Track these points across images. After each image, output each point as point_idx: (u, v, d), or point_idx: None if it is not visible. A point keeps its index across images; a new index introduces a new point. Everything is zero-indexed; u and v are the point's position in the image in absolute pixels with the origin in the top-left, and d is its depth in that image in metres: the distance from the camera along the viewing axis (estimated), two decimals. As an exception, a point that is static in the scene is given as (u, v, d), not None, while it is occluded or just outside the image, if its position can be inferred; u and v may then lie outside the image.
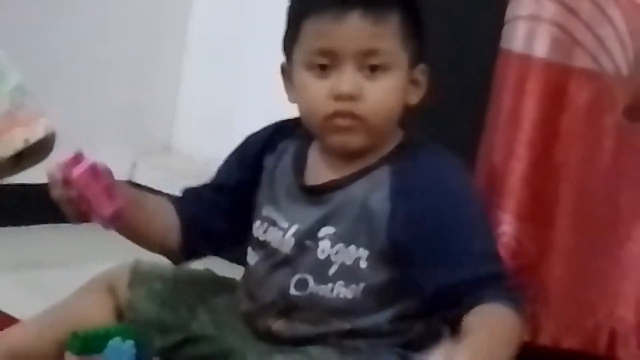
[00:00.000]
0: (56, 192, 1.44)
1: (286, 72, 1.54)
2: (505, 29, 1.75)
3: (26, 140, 1.36)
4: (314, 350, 1.47)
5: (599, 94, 1.73)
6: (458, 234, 1.43)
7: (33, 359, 1.57)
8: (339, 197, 1.50)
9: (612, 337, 1.75)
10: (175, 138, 2.81)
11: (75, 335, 1.54)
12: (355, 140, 1.49)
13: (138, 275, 1.62)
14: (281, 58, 1.55)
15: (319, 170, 1.54)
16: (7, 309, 1.80)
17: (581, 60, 1.73)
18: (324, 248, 1.49)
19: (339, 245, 1.48)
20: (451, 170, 1.49)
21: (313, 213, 1.51)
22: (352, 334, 1.48)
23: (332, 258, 1.49)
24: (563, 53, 1.74)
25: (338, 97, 1.45)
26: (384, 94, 1.46)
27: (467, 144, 1.80)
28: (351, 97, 1.45)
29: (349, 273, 1.48)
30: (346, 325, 1.48)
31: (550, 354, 1.77)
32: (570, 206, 1.76)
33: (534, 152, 1.76)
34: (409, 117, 1.53)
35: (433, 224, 1.43)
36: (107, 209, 1.43)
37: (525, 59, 1.74)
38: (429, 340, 1.40)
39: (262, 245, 1.56)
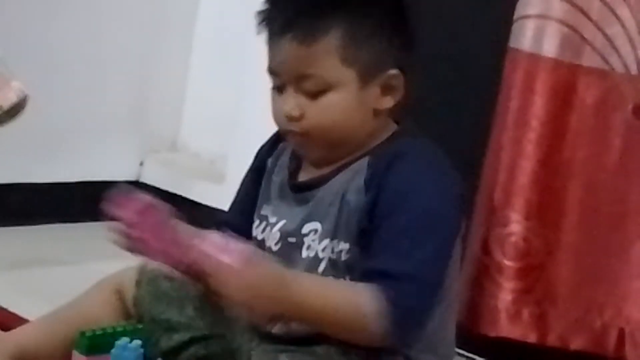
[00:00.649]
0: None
1: None
2: (513, 27, 1.75)
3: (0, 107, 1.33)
4: (319, 349, 1.47)
5: (608, 92, 1.73)
6: (393, 233, 1.41)
7: (41, 359, 1.57)
8: (321, 193, 1.50)
9: (621, 337, 1.74)
10: (182, 136, 2.80)
11: (82, 334, 1.54)
12: (311, 153, 1.52)
13: (145, 275, 1.61)
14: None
15: (310, 168, 1.55)
16: (15, 309, 1.79)
17: (590, 59, 1.73)
18: (310, 245, 1.49)
19: (326, 241, 1.48)
20: (420, 173, 1.46)
21: (299, 210, 1.52)
22: None
23: (320, 254, 1.48)
24: (572, 52, 1.73)
25: (286, 118, 1.47)
26: (326, 113, 1.45)
27: (475, 143, 1.80)
28: (294, 118, 1.46)
29: (336, 267, 1.48)
30: None
31: (559, 355, 1.77)
32: (579, 205, 1.76)
33: (542, 151, 1.75)
34: (403, 112, 1.52)
35: (382, 217, 1.42)
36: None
37: (534, 58, 1.74)
38: None
39: (259, 245, 1.56)
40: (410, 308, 1.38)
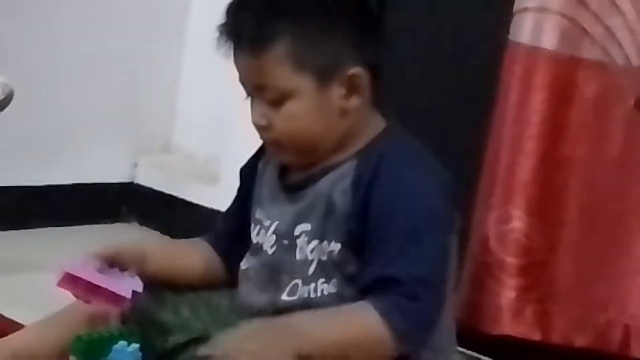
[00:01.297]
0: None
1: None
2: (513, 20, 1.73)
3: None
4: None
5: (608, 85, 1.71)
6: (390, 236, 1.40)
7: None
8: (309, 193, 1.49)
9: (625, 333, 1.72)
10: (175, 137, 2.78)
11: (79, 338, 1.51)
12: (287, 159, 1.51)
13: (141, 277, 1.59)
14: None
15: (298, 169, 1.53)
16: (9, 314, 1.77)
17: (590, 52, 1.71)
18: (302, 246, 1.48)
19: (314, 242, 1.47)
20: (410, 172, 1.44)
21: (289, 211, 1.51)
22: None
23: (309, 256, 1.47)
24: (571, 44, 1.71)
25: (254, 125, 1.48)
26: (289, 122, 1.44)
27: (474, 139, 1.78)
28: (262, 128, 1.46)
29: (326, 269, 1.46)
30: None
31: (562, 353, 1.75)
32: (580, 200, 1.74)
33: (542, 146, 1.74)
34: (388, 108, 1.50)
35: (377, 220, 1.41)
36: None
37: (533, 51, 1.72)
38: None
39: (255, 248, 1.56)
40: (417, 312, 1.37)
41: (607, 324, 1.73)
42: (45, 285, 2.12)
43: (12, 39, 2.40)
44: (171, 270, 1.59)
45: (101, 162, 2.64)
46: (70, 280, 1.51)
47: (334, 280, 1.46)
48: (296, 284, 1.48)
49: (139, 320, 1.55)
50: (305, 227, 1.48)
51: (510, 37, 1.74)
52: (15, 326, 1.69)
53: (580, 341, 1.75)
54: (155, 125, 2.74)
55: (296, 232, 1.49)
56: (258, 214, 1.57)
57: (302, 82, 1.43)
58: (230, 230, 1.64)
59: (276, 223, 1.52)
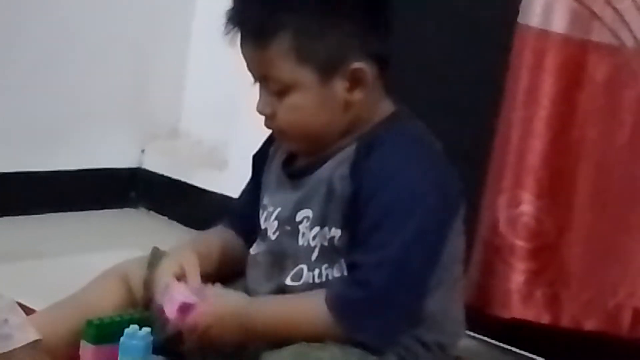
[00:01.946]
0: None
1: None
2: (522, 4, 1.72)
3: None
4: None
5: (619, 68, 1.70)
6: (365, 221, 1.41)
7: (48, 349, 1.54)
8: (310, 180, 1.49)
9: (635, 317, 1.72)
10: (182, 123, 2.77)
11: (90, 323, 1.52)
12: (292, 147, 1.52)
13: (157, 258, 1.59)
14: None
15: (303, 156, 1.54)
16: (20, 299, 1.76)
17: (600, 35, 1.70)
18: (304, 232, 1.49)
19: (316, 229, 1.48)
20: (397, 158, 1.44)
21: (291, 198, 1.51)
22: None
23: (312, 242, 1.48)
24: (581, 27, 1.70)
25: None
26: (292, 114, 1.45)
27: (485, 122, 1.78)
28: (266, 116, 1.47)
29: (329, 254, 1.47)
30: None
31: (572, 336, 1.75)
32: (590, 183, 1.73)
33: (552, 129, 1.73)
34: (396, 94, 1.49)
35: (362, 204, 1.42)
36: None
37: (543, 34, 1.71)
38: None
39: (262, 234, 1.56)
40: (364, 299, 1.39)
41: (616, 307, 1.73)
42: (54, 269, 2.14)
43: (20, 24, 2.40)
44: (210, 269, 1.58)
45: (109, 148, 2.64)
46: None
47: (337, 265, 1.46)
48: (301, 269, 1.49)
49: (152, 301, 1.55)
50: (307, 212, 1.49)
51: (520, 20, 1.73)
52: (25, 311, 1.68)
53: (589, 325, 1.74)
54: (163, 111, 2.74)
55: (298, 218, 1.49)
56: (265, 199, 1.57)
57: (305, 75, 1.43)
58: (245, 214, 1.64)
59: (278, 209, 1.53)
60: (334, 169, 1.47)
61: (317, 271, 1.48)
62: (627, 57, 1.69)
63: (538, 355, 1.88)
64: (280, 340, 1.41)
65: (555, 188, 1.74)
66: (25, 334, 1.36)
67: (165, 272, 1.51)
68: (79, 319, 1.54)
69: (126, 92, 2.65)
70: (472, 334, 1.72)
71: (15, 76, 2.42)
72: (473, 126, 1.79)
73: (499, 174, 1.76)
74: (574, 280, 1.74)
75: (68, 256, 2.23)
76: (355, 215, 1.43)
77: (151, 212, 2.67)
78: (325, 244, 1.47)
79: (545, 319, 1.76)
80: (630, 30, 1.69)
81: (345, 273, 1.45)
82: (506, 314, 1.75)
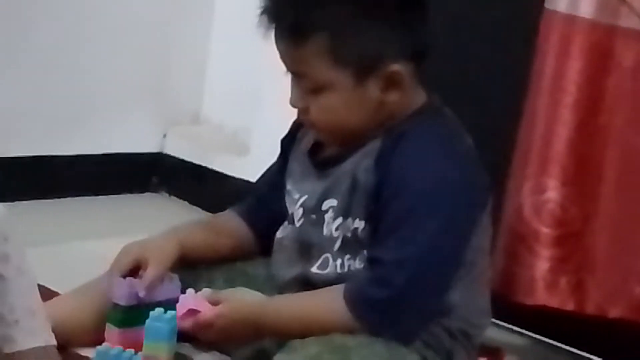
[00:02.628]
0: None
1: None
2: (550, -12, 1.71)
3: None
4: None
5: (647, 54, 1.69)
6: (389, 216, 1.41)
7: (72, 332, 1.54)
8: (336, 170, 1.49)
9: (660, 304, 1.71)
10: (204, 108, 2.77)
11: (115, 307, 1.52)
12: (324, 140, 1.52)
13: None
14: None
15: (331, 147, 1.53)
16: (44, 282, 1.77)
17: (628, 20, 1.68)
18: (328, 222, 1.49)
19: (339, 219, 1.48)
20: (424, 152, 1.43)
21: (317, 187, 1.51)
22: None
23: (334, 233, 1.48)
24: (609, 13, 1.69)
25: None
26: (323, 112, 1.45)
27: (511, 109, 1.76)
28: (299, 110, 1.47)
29: (351, 245, 1.47)
30: None
31: (597, 323, 1.74)
32: (616, 170, 1.72)
33: (578, 116, 1.71)
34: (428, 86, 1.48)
35: (385, 198, 1.42)
36: None
37: (570, 20, 1.70)
38: None
39: (289, 219, 1.56)
40: (384, 298, 1.39)
41: (642, 295, 1.72)
42: (77, 253, 2.14)
43: (42, 7, 2.40)
44: (205, 253, 1.59)
45: (131, 133, 2.65)
46: None
47: (359, 256, 1.46)
48: (327, 258, 1.49)
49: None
50: (332, 202, 1.48)
51: (547, 5, 1.71)
52: (50, 294, 1.69)
53: (614, 312, 1.73)
54: (185, 96, 2.74)
55: (324, 207, 1.49)
56: (289, 185, 1.57)
57: (339, 76, 1.42)
58: (262, 201, 1.64)
59: (304, 197, 1.52)
60: (360, 161, 1.46)
61: (339, 261, 1.47)
62: (655, 43, 1.68)
63: (562, 342, 1.87)
64: (291, 338, 1.41)
65: (581, 175, 1.73)
66: (35, 338, 1.34)
67: (117, 265, 1.52)
68: (104, 303, 1.54)
69: (148, 77, 2.66)
70: (496, 321, 1.71)
71: (37, 60, 2.42)
72: (499, 112, 1.78)
73: (525, 160, 1.75)
74: (599, 267, 1.73)
75: (90, 240, 2.24)
76: (378, 207, 1.43)
77: (172, 197, 2.67)
78: (349, 235, 1.46)
79: (569, 305, 1.75)
80: (659, 17, 1.68)
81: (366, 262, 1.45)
82: (530, 301, 1.74)
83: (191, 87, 2.74)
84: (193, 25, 2.72)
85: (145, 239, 1.58)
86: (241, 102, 2.63)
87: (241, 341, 1.49)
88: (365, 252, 1.45)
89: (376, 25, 1.43)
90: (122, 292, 1.51)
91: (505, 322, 1.80)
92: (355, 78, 1.42)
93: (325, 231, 1.49)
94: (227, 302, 1.45)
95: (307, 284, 1.50)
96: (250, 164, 2.48)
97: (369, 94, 1.44)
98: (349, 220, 1.46)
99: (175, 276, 1.54)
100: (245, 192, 2.35)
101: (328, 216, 1.49)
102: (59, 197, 2.49)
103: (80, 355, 1.52)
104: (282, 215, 1.58)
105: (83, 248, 2.16)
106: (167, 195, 2.68)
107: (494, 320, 1.62)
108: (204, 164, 2.62)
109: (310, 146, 1.55)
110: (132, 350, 1.46)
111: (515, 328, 1.88)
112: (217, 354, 1.56)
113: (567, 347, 1.87)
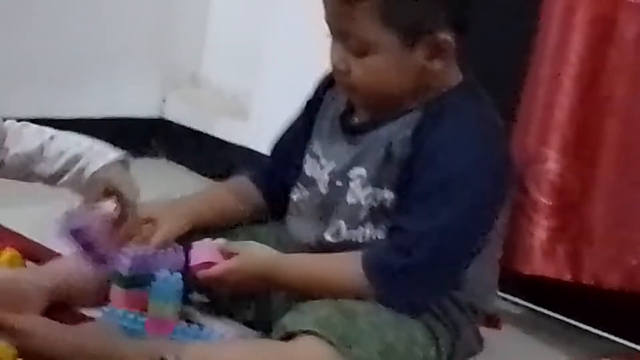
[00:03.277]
0: None
1: None
2: (553, -41, 1.71)
3: None
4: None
5: (649, 27, 1.69)
6: (420, 187, 1.42)
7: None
8: (369, 138, 1.49)
9: (657, 274, 1.73)
10: (203, 70, 2.77)
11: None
12: (360, 104, 1.52)
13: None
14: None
15: (364, 112, 1.53)
16: (47, 243, 1.78)
17: (631, -8, 1.69)
18: (354, 191, 1.49)
19: (368, 188, 1.48)
20: (462, 131, 1.44)
21: (347, 153, 1.51)
22: None
23: (362, 202, 1.48)
24: (613, -16, 1.70)
25: (331, 66, 1.48)
26: (367, 74, 1.45)
27: (512, 79, 1.77)
28: (340, 71, 1.46)
29: (377, 215, 1.48)
30: None
31: (592, 292, 1.76)
32: (616, 142, 1.73)
33: (580, 87, 1.72)
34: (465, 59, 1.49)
35: (418, 170, 1.43)
36: None
37: (574, -9, 1.70)
38: None
39: (307, 182, 1.56)
40: (402, 268, 1.40)
41: (638, 265, 1.73)
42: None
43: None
44: (217, 220, 1.60)
45: (130, 96, 2.65)
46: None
47: (382, 226, 1.47)
48: (341, 225, 1.49)
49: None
50: (360, 171, 1.49)
51: (551, -24, 1.72)
52: (51, 254, 1.70)
53: (610, 282, 1.75)
54: (185, 58, 2.74)
55: (350, 175, 1.50)
56: (314, 147, 1.57)
57: (388, 38, 1.42)
58: (278, 164, 1.64)
59: (332, 162, 1.53)
60: (396, 132, 1.47)
61: (361, 230, 1.48)
62: (658, 16, 1.68)
63: (558, 312, 1.90)
64: (308, 298, 1.42)
65: (581, 146, 1.74)
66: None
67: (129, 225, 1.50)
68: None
69: (148, 40, 2.65)
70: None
71: (36, 22, 2.41)
72: (500, 82, 1.79)
73: (525, 130, 1.76)
74: (596, 237, 1.75)
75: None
76: (408, 178, 1.44)
77: (171, 161, 2.68)
78: (376, 205, 1.47)
79: (566, 275, 1.76)
80: (662, -11, 1.68)
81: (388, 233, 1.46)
82: (528, 270, 1.76)
83: (191, 49, 2.73)
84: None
85: (159, 202, 1.59)
86: (241, 66, 2.63)
87: (252, 294, 1.51)
88: (388, 222, 1.46)
89: None
90: (125, 262, 1.51)
91: (501, 290, 1.82)
92: (402, 42, 1.43)
93: (349, 199, 1.49)
94: (239, 257, 1.46)
95: (323, 249, 1.50)
96: (250, 130, 2.49)
97: (414, 59, 1.44)
98: (378, 189, 1.47)
99: (180, 247, 1.54)
100: (244, 158, 2.38)
101: (354, 184, 1.49)
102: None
103: (86, 315, 1.53)
104: (296, 178, 1.59)
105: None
106: (166, 160, 2.69)
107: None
108: (203, 130, 2.62)
109: (343, 110, 1.56)
110: (138, 310, 1.47)
111: (511, 297, 1.91)
112: (225, 319, 1.58)
113: (563, 317, 1.89)
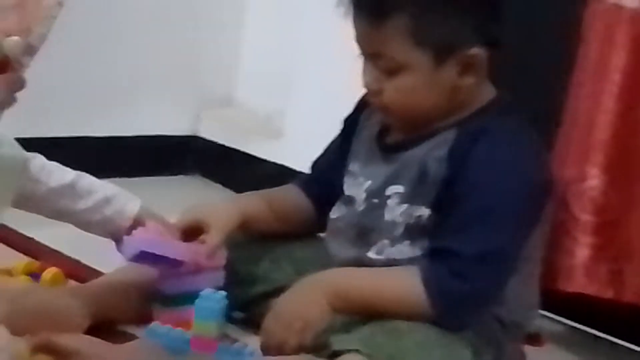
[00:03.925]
0: None
1: None
2: (595, -23, 1.71)
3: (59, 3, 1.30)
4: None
5: (690, 45, 1.69)
6: (464, 210, 1.42)
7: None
8: (404, 157, 1.50)
9: (699, 293, 1.71)
10: (238, 91, 2.78)
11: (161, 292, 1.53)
12: (394, 123, 1.52)
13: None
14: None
15: (399, 132, 1.54)
16: (89, 261, 1.78)
17: (673, 11, 1.68)
18: (391, 207, 1.49)
19: (404, 205, 1.48)
20: (505, 152, 1.44)
21: (383, 171, 1.52)
22: None
23: (398, 219, 1.49)
24: (654, 3, 1.69)
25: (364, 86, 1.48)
26: (399, 93, 1.45)
27: (554, 96, 1.77)
28: (372, 92, 1.47)
29: (413, 232, 1.48)
30: None
31: (635, 312, 1.74)
32: (658, 159, 1.72)
33: (621, 104, 1.71)
34: (498, 75, 1.49)
35: (460, 191, 1.43)
36: None
37: (615, 9, 1.69)
38: None
39: (346, 200, 1.56)
40: (459, 290, 1.40)
41: (680, 284, 1.72)
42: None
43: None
44: (264, 223, 1.60)
45: (165, 115, 2.67)
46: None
47: (418, 244, 1.47)
48: (384, 244, 1.49)
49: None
50: (397, 188, 1.49)
51: (592, -6, 1.72)
52: (93, 273, 1.70)
53: (652, 301, 1.74)
54: (218, 79, 2.76)
55: (387, 193, 1.50)
56: (352, 166, 1.58)
57: (418, 57, 1.42)
58: (322, 177, 1.65)
59: (369, 182, 1.53)
60: (431, 150, 1.47)
61: (398, 247, 1.48)
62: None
63: (600, 330, 1.88)
64: (366, 310, 1.41)
65: (623, 163, 1.72)
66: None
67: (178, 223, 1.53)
68: (149, 279, 1.55)
69: (182, 60, 2.67)
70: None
71: (72, 43, 2.43)
72: (542, 100, 1.78)
73: (567, 148, 1.75)
74: (638, 254, 1.74)
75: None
76: (449, 198, 1.44)
77: (206, 179, 2.69)
78: (412, 221, 1.47)
79: (607, 293, 1.75)
80: None
81: (427, 253, 1.46)
82: (569, 289, 1.74)
83: (225, 70, 2.75)
84: (227, 7, 2.73)
85: (207, 203, 1.60)
86: (275, 85, 2.64)
87: (311, 309, 1.46)
88: (427, 240, 1.46)
89: (458, 8, 1.43)
90: (168, 283, 1.51)
91: (543, 308, 1.81)
92: (433, 60, 1.43)
93: (387, 216, 1.50)
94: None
95: (364, 267, 1.50)
96: (284, 148, 2.50)
97: (446, 76, 1.44)
98: (414, 207, 1.47)
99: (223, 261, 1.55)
100: (278, 175, 2.38)
101: (391, 201, 1.49)
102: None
103: (128, 334, 1.53)
104: (338, 195, 1.59)
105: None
106: (201, 177, 2.70)
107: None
108: (237, 147, 2.63)
109: (378, 130, 1.56)
110: (182, 329, 1.47)
111: (552, 315, 1.89)
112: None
113: (605, 335, 1.88)
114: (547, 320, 1.89)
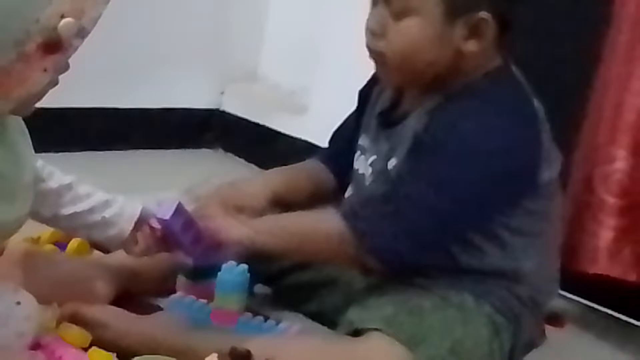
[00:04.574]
0: None
1: None
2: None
3: None
4: (421, 282, 1.46)
5: None
6: (421, 157, 1.41)
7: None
8: (400, 129, 1.49)
9: None
10: (261, 66, 2.78)
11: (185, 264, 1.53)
12: (388, 78, 1.50)
13: None
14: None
15: (403, 104, 1.53)
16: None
17: None
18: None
19: None
20: (482, 114, 1.40)
21: (385, 145, 1.51)
22: None
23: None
24: (687, -17, 1.67)
25: (366, 32, 1.46)
26: (403, 37, 1.42)
27: (582, 78, 1.76)
28: (375, 34, 1.44)
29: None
30: None
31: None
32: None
33: (651, 87, 1.70)
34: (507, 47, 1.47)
35: (417, 151, 1.42)
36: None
37: (647, -10, 1.68)
38: None
39: (356, 176, 1.56)
40: (390, 222, 1.39)
41: None
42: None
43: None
44: (290, 197, 1.60)
45: (189, 89, 2.66)
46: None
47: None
48: None
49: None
50: (394, 162, 1.49)
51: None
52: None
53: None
54: (243, 53, 2.75)
55: (389, 167, 1.49)
56: (362, 140, 1.57)
57: (431, 4, 1.41)
58: (340, 151, 1.65)
59: (374, 157, 1.53)
60: (419, 120, 1.46)
61: None
62: None
63: (622, 313, 1.88)
64: (286, 252, 1.44)
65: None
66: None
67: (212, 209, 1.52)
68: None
69: (207, 34, 2.66)
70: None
71: (105, 22, 2.42)
72: (570, 81, 1.77)
73: (594, 130, 1.74)
74: (663, 239, 1.73)
75: (145, 193, 2.25)
76: (412, 150, 1.44)
77: (228, 153, 2.69)
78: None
79: (631, 276, 1.74)
80: None
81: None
82: (593, 270, 1.74)
83: (249, 44, 2.74)
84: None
85: (234, 182, 1.60)
86: (299, 61, 2.63)
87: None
88: None
89: None
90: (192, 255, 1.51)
91: (565, 290, 1.80)
92: (445, 12, 1.41)
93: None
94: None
95: None
96: (308, 123, 2.49)
97: (450, 36, 1.42)
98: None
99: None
100: (302, 151, 2.38)
101: (392, 175, 1.49)
102: (116, 149, 2.52)
103: (152, 304, 1.54)
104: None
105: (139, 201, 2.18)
106: (223, 151, 2.70)
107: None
108: (260, 122, 2.63)
109: (385, 107, 1.56)
110: (204, 300, 1.48)
111: (574, 297, 1.89)
112: (289, 311, 1.58)
113: (627, 318, 1.87)
114: (568, 302, 1.89)
